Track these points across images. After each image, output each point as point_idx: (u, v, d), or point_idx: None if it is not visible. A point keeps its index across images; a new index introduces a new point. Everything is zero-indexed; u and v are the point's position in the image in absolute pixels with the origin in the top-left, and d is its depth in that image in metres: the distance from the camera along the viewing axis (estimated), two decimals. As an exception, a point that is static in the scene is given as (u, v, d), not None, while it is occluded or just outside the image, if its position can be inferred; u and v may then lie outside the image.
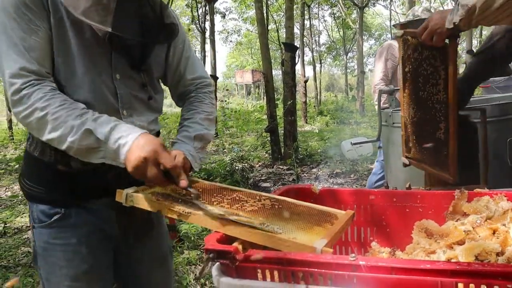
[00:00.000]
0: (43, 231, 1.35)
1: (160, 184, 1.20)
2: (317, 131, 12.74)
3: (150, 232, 1.52)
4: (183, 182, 1.16)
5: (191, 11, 17.14)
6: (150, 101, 1.42)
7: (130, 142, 1.14)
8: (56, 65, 1.24)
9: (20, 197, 6.44)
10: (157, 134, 1.50)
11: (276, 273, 0.94)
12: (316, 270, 0.90)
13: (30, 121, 1.17)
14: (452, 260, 1.05)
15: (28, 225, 4.92)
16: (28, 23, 1.18)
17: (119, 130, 1.16)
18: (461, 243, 1.14)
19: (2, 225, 4.71)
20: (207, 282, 3.18)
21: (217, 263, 0.98)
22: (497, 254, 1.05)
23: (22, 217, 5.37)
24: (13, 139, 14.39)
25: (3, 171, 8.84)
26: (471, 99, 3.02)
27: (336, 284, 0.89)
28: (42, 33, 1.20)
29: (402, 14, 26.62)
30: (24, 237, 4.55)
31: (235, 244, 1.01)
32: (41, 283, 1.40)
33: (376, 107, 3.90)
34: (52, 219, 1.33)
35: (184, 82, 1.54)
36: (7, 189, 7.33)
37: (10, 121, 15.05)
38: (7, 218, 5.13)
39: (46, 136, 1.17)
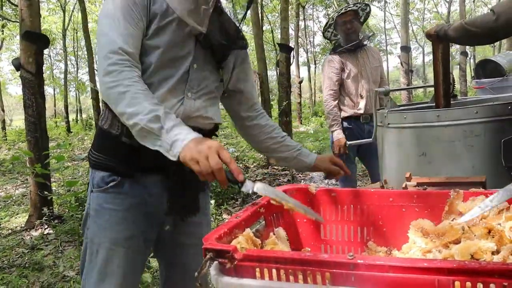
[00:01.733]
0: (100, 195, 1.54)
1: (220, 176, 1.23)
2: (312, 131, 12.76)
3: (195, 216, 1.63)
4: (241, 176, 1.25)
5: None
6: (217, 93, 1.65)
7: (187, 140, 1.25)
8: (145, 50, 1.47)
9: (14, 198, 6.41)
10: (216, 126, 1.70)
11: (274, 271, 0.94)
12: (314, 268, 0.90)
13: (112, 92, 1.34)
14: (449, 259, 1.06)
15: (23, 225, 4.91)
16: (132, 16, 1.41)
17: (180, 128, 1.29)
18: (456, 242, 1.15)
19: (-4, 225, 4.69)
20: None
21: (216, 262, 0.98)
22: (493, 253, 1.06)
23: (16, 217, 5.35)
24: (6, 139, 14.32)
25: (-4, 171, 8.79)
26: (467, 99, 3.04)
27: (334, 283, 0.89)
28: (140, 27, 1.43)
29: (397, 15, 26.69)
30: (18, 238, 4.53)
31: (234, 243, 1.01)
32: (84, 245, 1.57)
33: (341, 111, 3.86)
34: (109, 185, 1.52)
35: (247, 99, 1.78)
36: (0, 190, 7.29)
37: (3, 122, 14.96)
38: (1, 218, 5.11)
39: (120, 109, 1.33)
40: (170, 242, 1.66)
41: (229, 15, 1.68)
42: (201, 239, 1.58)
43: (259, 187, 1.25)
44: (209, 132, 1.66)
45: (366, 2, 4.17)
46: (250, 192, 1.25)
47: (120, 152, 1.51)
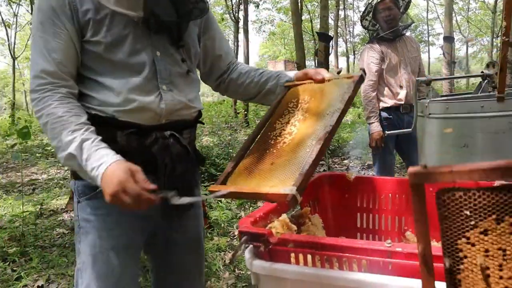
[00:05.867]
0: (89, 203, 1.40)
1: (147, 202, 1.19)
2: (349, 122, 12.62)
3: (188, 212, 1.51)
4: (152, 186, 1.19)
5: (225, 0, 17.16)
6: (189, 74, 1.48)
7: (100, 175, 1.18)
8: (92, 60, 1.33)
9: (56, 180, 6.62)
10: (199, 113, 1.55)
11: (309, 257, 0.93)
12: (350, 255, 0.89)
13: (40, 122, 1.28)
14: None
15: (63, 207, 5.06)
16: (53, 27, 1.28)
17: (92, 161, 1.21)
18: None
19: (39, 206, 4.84)
20: (235, 269, 3.20)
21: (251, 246, 0.98)
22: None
23: (57, 199, 5.52)
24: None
25: (40, 155, 9.09)
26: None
27: (371, 270, 0.87)
28: (65, 36, 1.29)
29: (440, 5, 26.00)
30: (59, 219, 4.67)
31: (269, 227, 1.01)
32: (79, 257, 1.42)
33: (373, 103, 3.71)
34: (97, 190, 1.34)
35: (223, 62, 1.64)
36: (43, 172, 7.54)
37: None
38: (44, 200, 5.28)
39: (51, 142, 1.27)
40: (163, 239, 1.54)
41: None
42: (194, 233, 1.57)
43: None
44: (194, 121, 1.52)
45: None
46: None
47: None
